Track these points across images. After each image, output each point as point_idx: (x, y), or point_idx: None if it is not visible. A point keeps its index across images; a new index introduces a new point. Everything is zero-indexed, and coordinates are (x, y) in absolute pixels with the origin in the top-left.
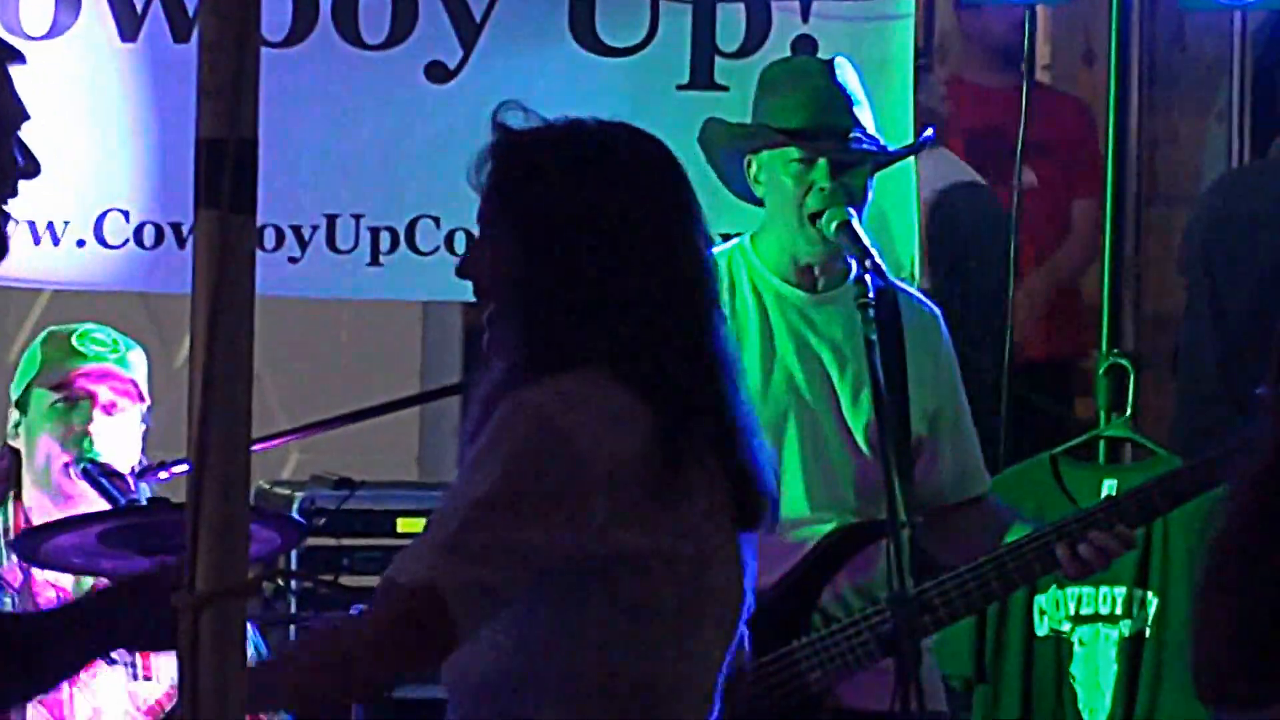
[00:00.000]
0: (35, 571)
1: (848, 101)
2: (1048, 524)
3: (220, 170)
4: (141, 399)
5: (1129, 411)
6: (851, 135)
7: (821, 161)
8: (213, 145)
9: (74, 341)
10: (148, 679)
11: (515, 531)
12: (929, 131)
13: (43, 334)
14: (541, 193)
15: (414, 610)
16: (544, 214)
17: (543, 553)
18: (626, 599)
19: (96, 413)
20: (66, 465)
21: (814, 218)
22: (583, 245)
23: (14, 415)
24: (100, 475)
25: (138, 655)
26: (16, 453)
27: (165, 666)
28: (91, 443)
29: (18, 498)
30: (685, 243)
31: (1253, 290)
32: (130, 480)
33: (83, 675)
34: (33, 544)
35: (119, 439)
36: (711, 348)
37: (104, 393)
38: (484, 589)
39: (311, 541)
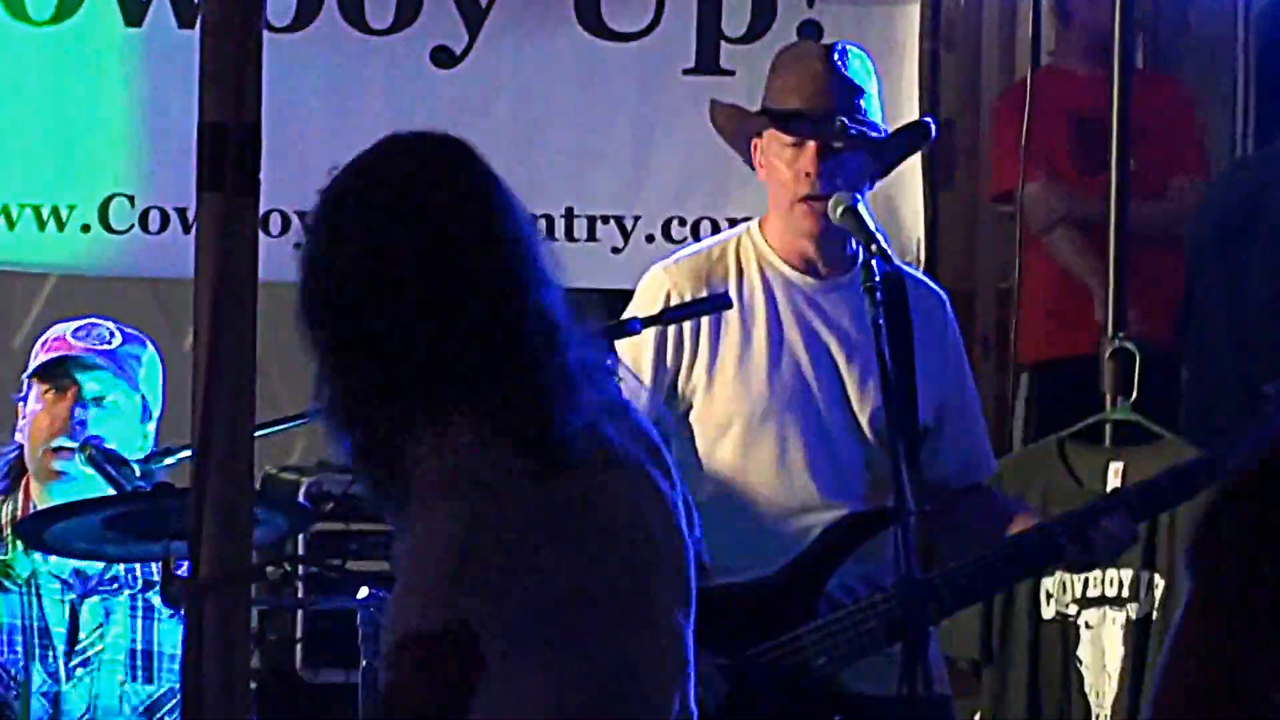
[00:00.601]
0: (40, 563)
1: (843, 85)
2: (1053, 515)
3: (222, 154)
4: (135, 389)
5: (1135, 395)
6: (838, 120)
7: (810, 145)
8: (215, 129)
9: (69, 336)
10: (147, 681)
11: (506, 572)
12: (928, 117)
13: (49, 332)
14: (331, 265)
15: (444, 654)
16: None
17: (532, 592)
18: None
19: (84, 400)
20: (56, 452)
21: (803, 201)
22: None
23: (21, 411)
24: (105, 461)
25: (139, 655)
26: (24, 448)
27: (166, 668)
28: (82, 428)
29: (26, 491)
30: (482, 243)
31: (1263, 278)
32: (135, 466)
33: (79, 671)
34: (36, 530)
35: (111, 427)
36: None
37: (89, 383)
38: (500, 621)
39: (318, 526)
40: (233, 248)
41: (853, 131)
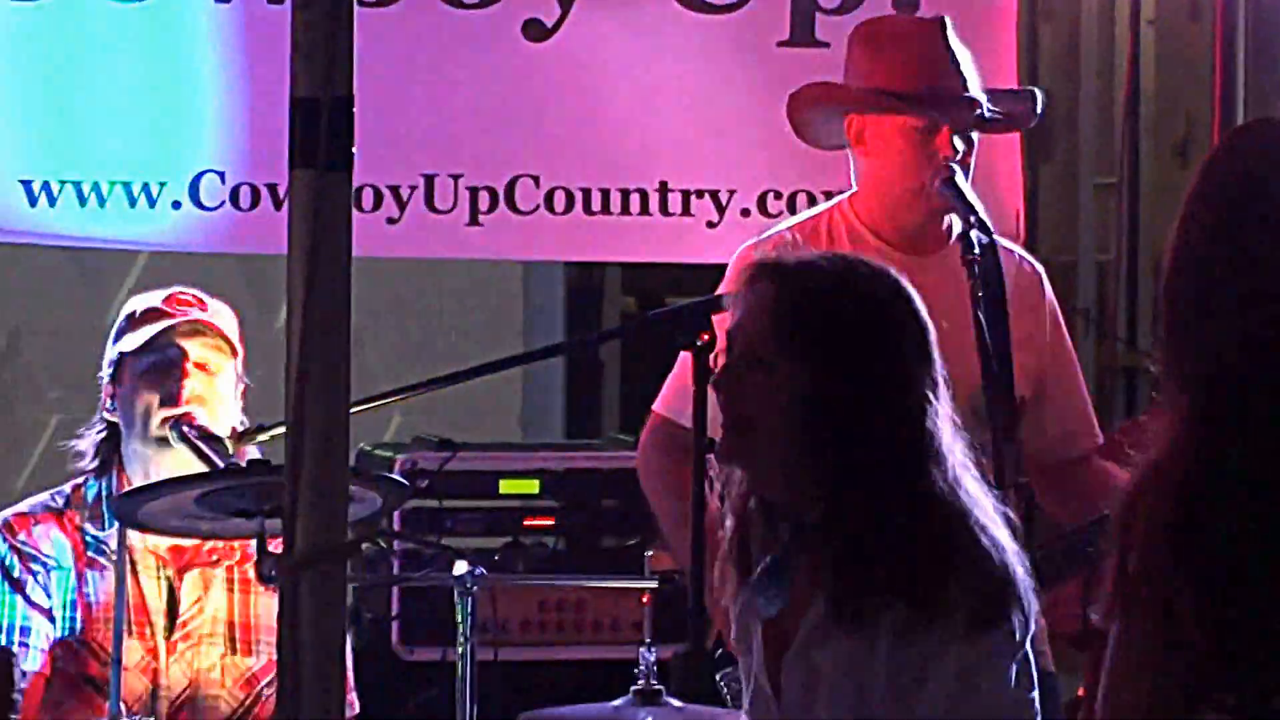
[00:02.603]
0: (136, 538)
1: (958, 63)
2: None
3: (314, 129)
4: (234, 353)
5: None
6: (964, 96)
7: (945, 129)
8: (307, 104)
9: (160, 304)
10: (246, 654)
11: None
12: (1037, 92)
13: (129, 304)
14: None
15: None
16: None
17: None
18: None
19: (190, 368)
20: (168, 425)
21: (934, 183)
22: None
23: (109, 389)
24: (198, 438)
25: (237, 628)
26: (114, 426)
27: (264, 640)
28: (190, 400)
29: (120, 469)
30: None
31: None
32: (228, 443)
33: (179, 646)
34: (130, 507)
35: (216, 395)
36: None
37: (195, 349)
38: None
39: (414, 503)
40: (326, 223)
41: (989, 114)
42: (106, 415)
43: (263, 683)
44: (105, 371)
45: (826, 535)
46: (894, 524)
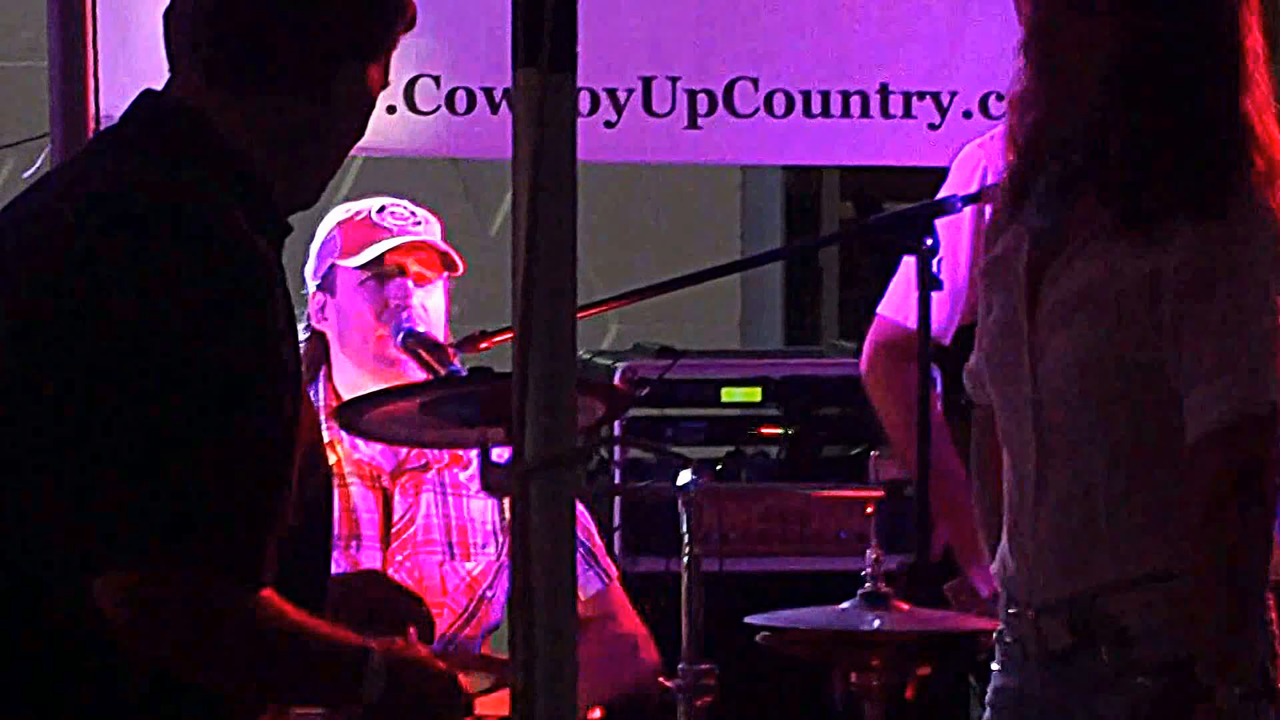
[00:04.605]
0: (344, 451)
1: None
2: None
3: (539, 27)
4: (450, 267)
5: None
6: None
7: None
8: (530, 2)
9: (374, 217)
10: (465, 559)
11: None
12: None
13: (336, 213)
14: None
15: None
16: None
17: None
18: None
19: (410, 285)
20: (385, 339)
21: None
22: None
23: (319, 298)
24: (420, 346)
25: (453, 531)
26: (322, 336)
27: (481, 544)
28: (409, 315)
29: (329, 379)
30: None
31: None
32: (450, 350)
33: (397, 558)
34: (354, 415)
35: (431, 310)
36: None
37: (412, 264)
38: None
39: (633, 412)
40: (551, 125)
41: None
42: (315, 324)
43: (484, 586)
44: (312, 282)
45: (1128, 152)
46: (1201, 142)
